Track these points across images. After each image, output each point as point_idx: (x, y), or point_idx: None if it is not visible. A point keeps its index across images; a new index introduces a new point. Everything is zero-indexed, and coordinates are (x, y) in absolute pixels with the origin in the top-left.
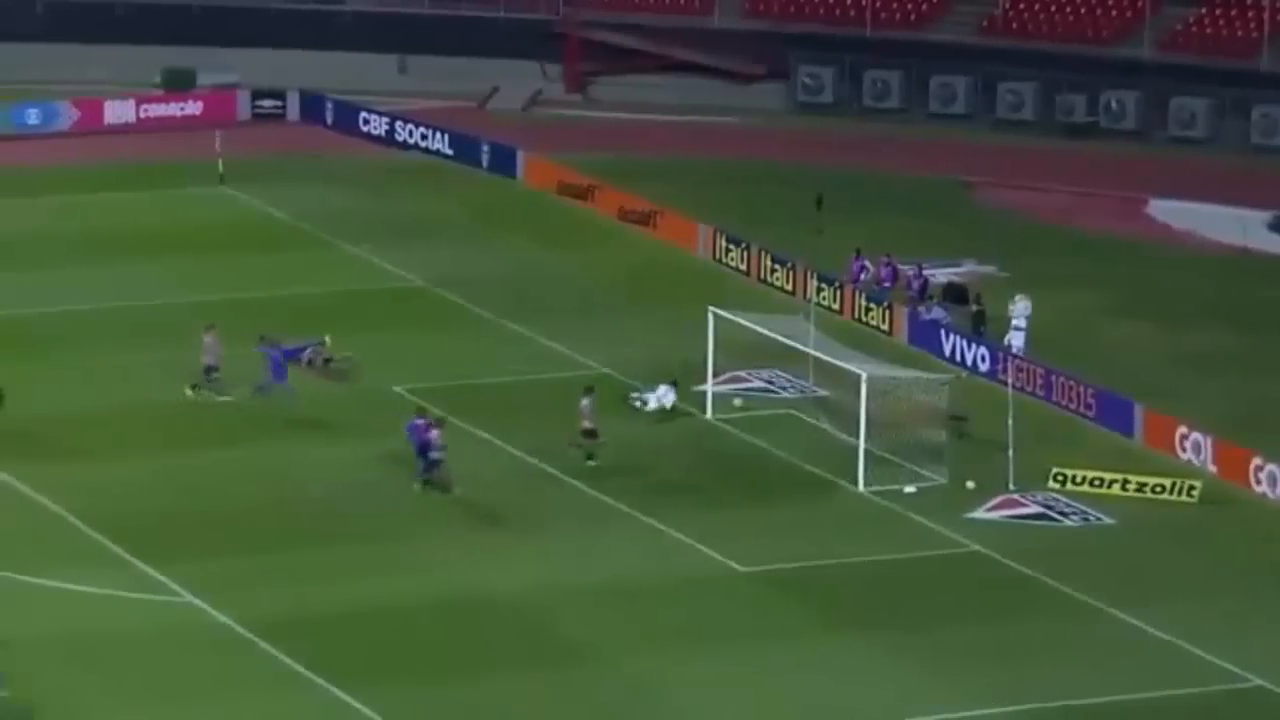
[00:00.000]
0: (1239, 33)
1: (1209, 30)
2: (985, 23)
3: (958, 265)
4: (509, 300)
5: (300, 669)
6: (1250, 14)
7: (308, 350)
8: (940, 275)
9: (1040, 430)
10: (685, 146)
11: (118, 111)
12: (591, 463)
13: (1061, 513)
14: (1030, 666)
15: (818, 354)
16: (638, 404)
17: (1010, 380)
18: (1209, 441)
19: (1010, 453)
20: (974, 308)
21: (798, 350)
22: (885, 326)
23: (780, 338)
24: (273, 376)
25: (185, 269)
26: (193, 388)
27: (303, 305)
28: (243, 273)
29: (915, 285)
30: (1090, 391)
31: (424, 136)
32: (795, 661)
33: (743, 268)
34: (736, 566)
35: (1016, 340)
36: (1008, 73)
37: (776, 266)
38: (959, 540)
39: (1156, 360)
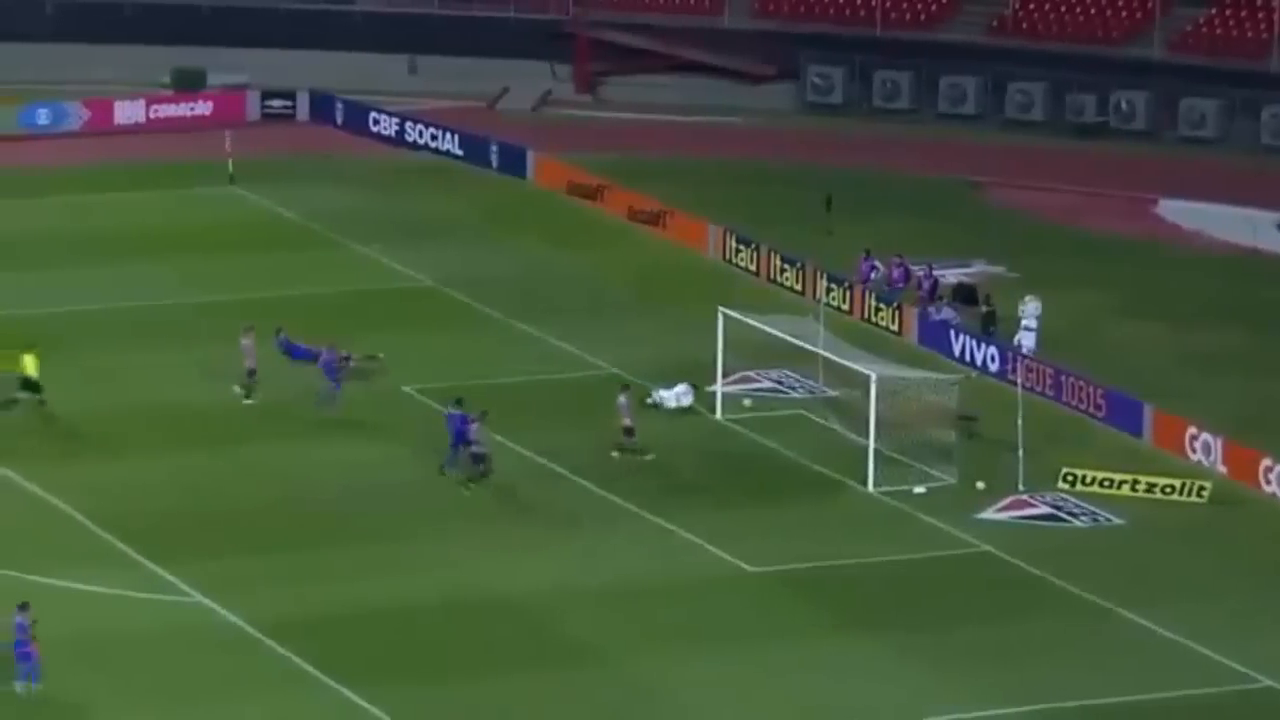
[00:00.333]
0: (1249, 33)
1: (1219, 31)
2: (995, 23)
3: (968, 266)
4: (518, 300)
5: (309, 669)
6: (1260, 15)
7: (324, 351)
8: (950, 276)
9: (1050, 431)
10: (695, 147)
11: (127, 112)
12: (646, 458)
13: (1071, 513)
14: (1039, 667)
15: (827, 354)
16: (657, 403)
17: (1020, 380)
18: (1219, 442)
19: (1020, 453)
20: (984, 308)
21: (807, 350)
22: (895, 327)
23: (790, 338)
24: (331, 383)
25: (195, 269)
26: (243, 388)
27: (312, 305)
28: (252, 273)
29: (925, 286)
30: (1100, 392)
31: (434, 137)
32: (804, 662)
33: (752, 268)
34: (745, 566)
35: (1027, 340)
36: (1017, 73)
37: (786, 267)
38: (968, 541)
39: (1166, 360)
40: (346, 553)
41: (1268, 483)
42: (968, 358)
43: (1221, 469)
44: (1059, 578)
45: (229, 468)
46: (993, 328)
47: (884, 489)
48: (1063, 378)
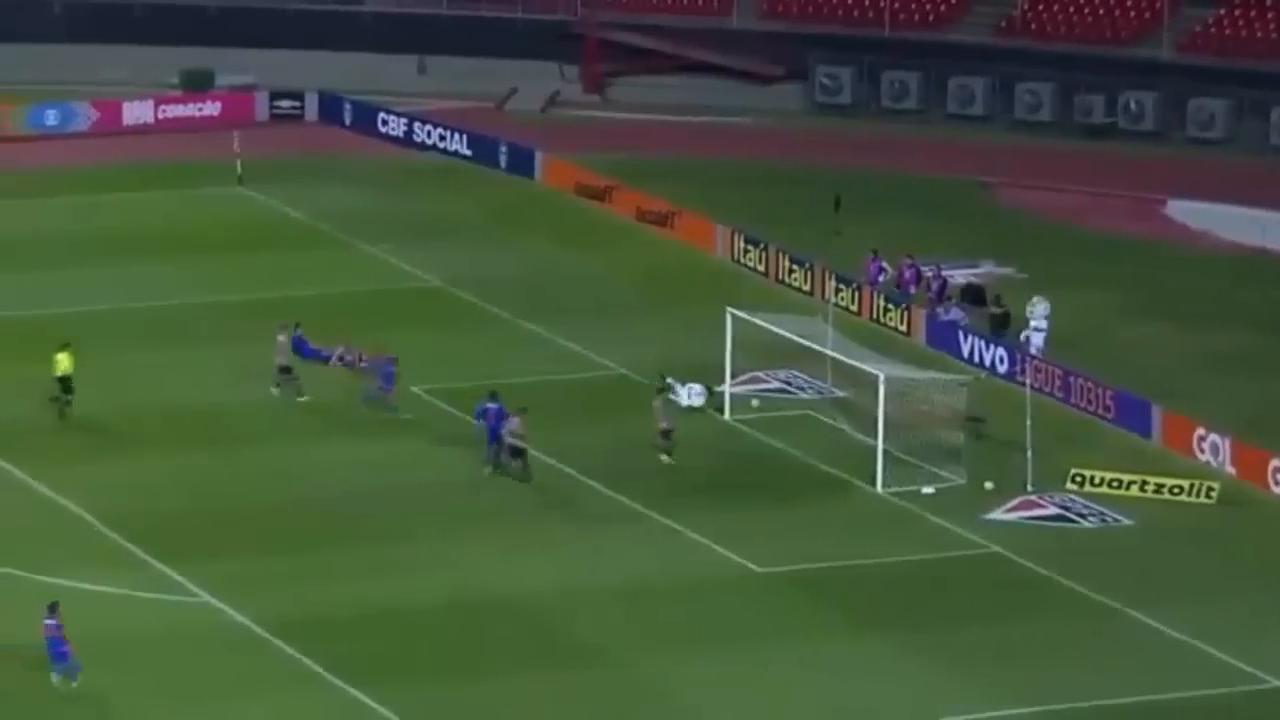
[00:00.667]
0: (1258, 34)
1: (1228, 31)
2: (1003, 23)
3: (976, 266)
4: (526, 300)
5: (317, 669)
6: (1270, 15)
7: (338, 350)
8: (959, 276)
9: (1059, 431)
10: (703, 147)
11: (136, 112)
12: (666, 459)
13: (1079, 514)
14: (1048, 667)
15: (836, 355)
16: (672, 395)
17: (1029, 381)
18: (1227, 443)
19: (1029, 454)
20: (995, 310)
21: (816, 351)
22: (904, 327)
23: (798, 339)
24: (383, 382)
25: (203, 269)
26: (278, 387)
27: (321, 305)
28: (260, 273)
29: (934, 286)
30: (1109, 393)
31: (442, 137)
32: (812, 662)
33: (761, 268)
34: (753, 567)
35: (1036, 340)
36: (1026, 73)
37: (795, 267)
38: (977, 541)
39: (1174, 361)
40: (354, 553)
41: (1276, 483)
42: (976, 358)
43: (1230, 470)
44: (1067, 578)
45: (236, 468)
46: (1004, 330)
47: (892, 489)
48: (1071, 379)
